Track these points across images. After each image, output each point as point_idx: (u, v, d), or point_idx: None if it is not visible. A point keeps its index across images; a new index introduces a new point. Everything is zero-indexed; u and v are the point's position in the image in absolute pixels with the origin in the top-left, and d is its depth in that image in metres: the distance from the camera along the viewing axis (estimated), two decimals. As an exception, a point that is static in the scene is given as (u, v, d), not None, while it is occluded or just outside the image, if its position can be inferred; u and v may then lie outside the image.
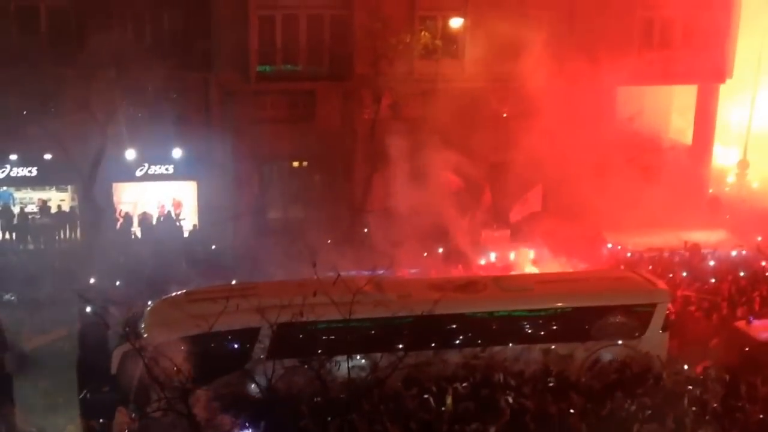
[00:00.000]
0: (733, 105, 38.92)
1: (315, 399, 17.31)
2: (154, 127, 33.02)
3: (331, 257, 26.42)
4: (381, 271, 26.84)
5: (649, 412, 17.37)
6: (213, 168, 33.48)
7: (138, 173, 34.47)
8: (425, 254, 30.27)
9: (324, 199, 33.20)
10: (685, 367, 20.57)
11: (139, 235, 34.03)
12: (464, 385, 18.84)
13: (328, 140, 33.58)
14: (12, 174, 34.20)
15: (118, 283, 26.69)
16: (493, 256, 30.40)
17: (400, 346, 18.37)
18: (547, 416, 17.22)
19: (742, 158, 38.66)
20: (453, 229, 32.30)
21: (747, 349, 21.44)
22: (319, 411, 16.60)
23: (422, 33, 33.95)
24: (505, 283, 22.23)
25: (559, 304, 21.12)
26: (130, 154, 33.44)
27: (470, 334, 20.40)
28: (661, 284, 23.12)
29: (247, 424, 15.70)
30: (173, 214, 35.19)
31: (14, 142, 32.22)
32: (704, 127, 37.86)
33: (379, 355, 18.55)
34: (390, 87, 33.23)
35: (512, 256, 30.08)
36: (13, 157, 33.78)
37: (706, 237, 29.87)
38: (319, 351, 18.15)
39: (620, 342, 21.22)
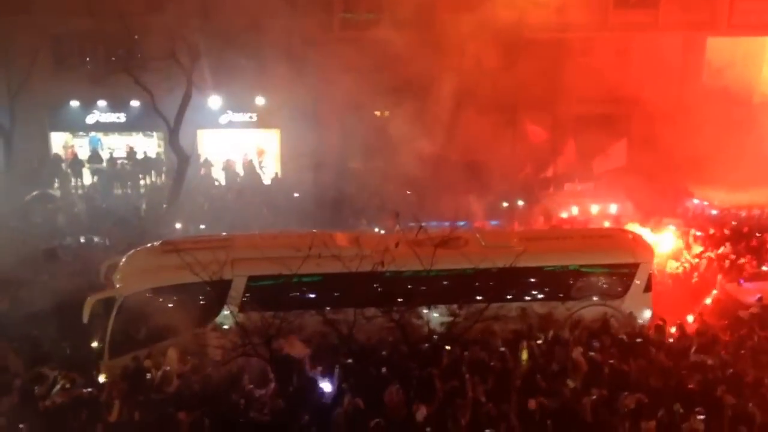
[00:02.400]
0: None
1: (396, 350, 17.38)
2: (238, 75, 33.33)
3: (411, 208, 26.64)
4: (461, 223, 27.01)
5: (731, 371, 17.09)
6: (296, 117, 33.68)
7: (222, 121, 34.95)
8: (505, 205, 30.11)
9: (405, 149, 33.11)
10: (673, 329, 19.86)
11: (222, 181, 34.53)
12: (539, 342, 18.75)
13: (411, 90, 33.39)
14: (101, 120, 35.06)
15: (202, 227, 27.20)
16: (575, 210, 30.05)
17: (377, 301, 17.94)
18: (623, 372, 17.07)
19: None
20: (535, 182, 32.10)
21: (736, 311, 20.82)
22: (399, 361, 16.69)
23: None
24: (487, 239, 21.50)
25: (539, 262, 20.33)
26: (214, 102, 33.89)
27: (448, 290, 19.30)
28: (645, 243, 22.27)
29: (326, 371, 15.91)
30: (256, 162, 35.62)
31: (103, 89, 32.89)
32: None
33: (455, 306, 18.73)
34: (473, 36, 32.79)
35: (594, 209, 29.67)
36: (102, 103, 34.57)
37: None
38: (292, 304, 18.05)
39: (601, 302, 20.50)
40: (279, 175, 35.34)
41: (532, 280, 20.42)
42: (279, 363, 15.81)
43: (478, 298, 18.60)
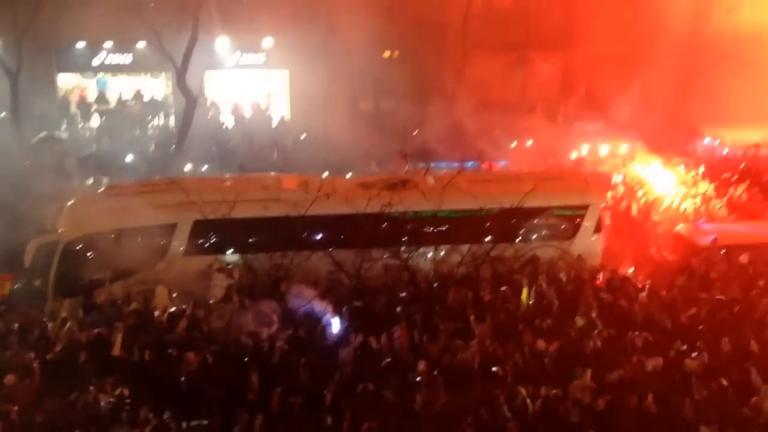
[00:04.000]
0: None
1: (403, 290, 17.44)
2: (247, 15, 32.97)
3: (418, 148, 26.55)
4: (470, 163, 26.94)
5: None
6: (305, 57, 33.39)
7: (230, 62, 34.68)
8: (514, 144, 29.95)
9: (414, 90, 32.93)
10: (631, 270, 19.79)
11: (230, 123, 34.41)
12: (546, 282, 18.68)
13: (419, 30, 33.06)
14: (107, 61, 34.85)
15: (204, 167, 27.26)
16: (585, 149, 29.90)
17: (323, 243, 18.39)
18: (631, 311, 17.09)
19: None
20: (543, 121, 31.87)
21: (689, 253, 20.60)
22: (405, 302, 16.74)
23: None
24: (436, 182, 20.65)
25: (488, 204, 19.54)
26: (222, 42, 33.60)
27: (397, 234, 18.87)
28: (597, 185, 21.96)
29: (333, 311, 15.97)
30: (264, 104, 35.43)
31: (109, 29, 32.57)
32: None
33: (466, 246, 18.66)
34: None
35: (605, 149, 29.51)
36: (109, 44, 34.31)
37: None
38: (238, 248, 18.29)
39: (551, 243, 19.94)
40: (287, 116, 35.14)
41: (482, 221, 19.80)
42: (286, 304, 15.94)
43: (427, 240, 18.82)
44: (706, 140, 30.27)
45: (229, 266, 18.17)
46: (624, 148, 29.29)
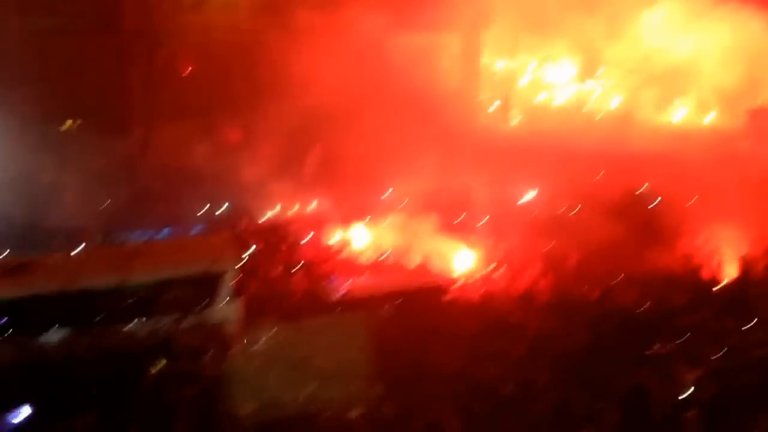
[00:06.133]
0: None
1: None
2: None
3: (102, 221, 25.66)
4: (165, 230, 26.48)
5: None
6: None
7: None
8: (206, 208, 29.78)
9: (99, 161, 31.81)
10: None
11: None
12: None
13: (101, 98, 32.16)
14: None
15: None
16: (277, 208, 30.33)
17: None
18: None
19: (504, 101, 40.40)
20: (237, 184, 31.99)
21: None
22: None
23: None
24: (65, 261, 20.37)
25: (120, 280, 19.38)
26: None
27: (23, 320, 18.68)
28: (229, 249, 21.98)
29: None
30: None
31: None
32: (470, 72, 39.85)
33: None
34: (163, 41, 32.24)
35: (295, 208, 30.10)
36: None
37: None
38: None
39: (192, 313, 19.92)
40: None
41: (117, 299, 19.42)
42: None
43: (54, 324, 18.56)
44: (389, 191, 31.59)
45: None
46: (312, 206, 30.05)
